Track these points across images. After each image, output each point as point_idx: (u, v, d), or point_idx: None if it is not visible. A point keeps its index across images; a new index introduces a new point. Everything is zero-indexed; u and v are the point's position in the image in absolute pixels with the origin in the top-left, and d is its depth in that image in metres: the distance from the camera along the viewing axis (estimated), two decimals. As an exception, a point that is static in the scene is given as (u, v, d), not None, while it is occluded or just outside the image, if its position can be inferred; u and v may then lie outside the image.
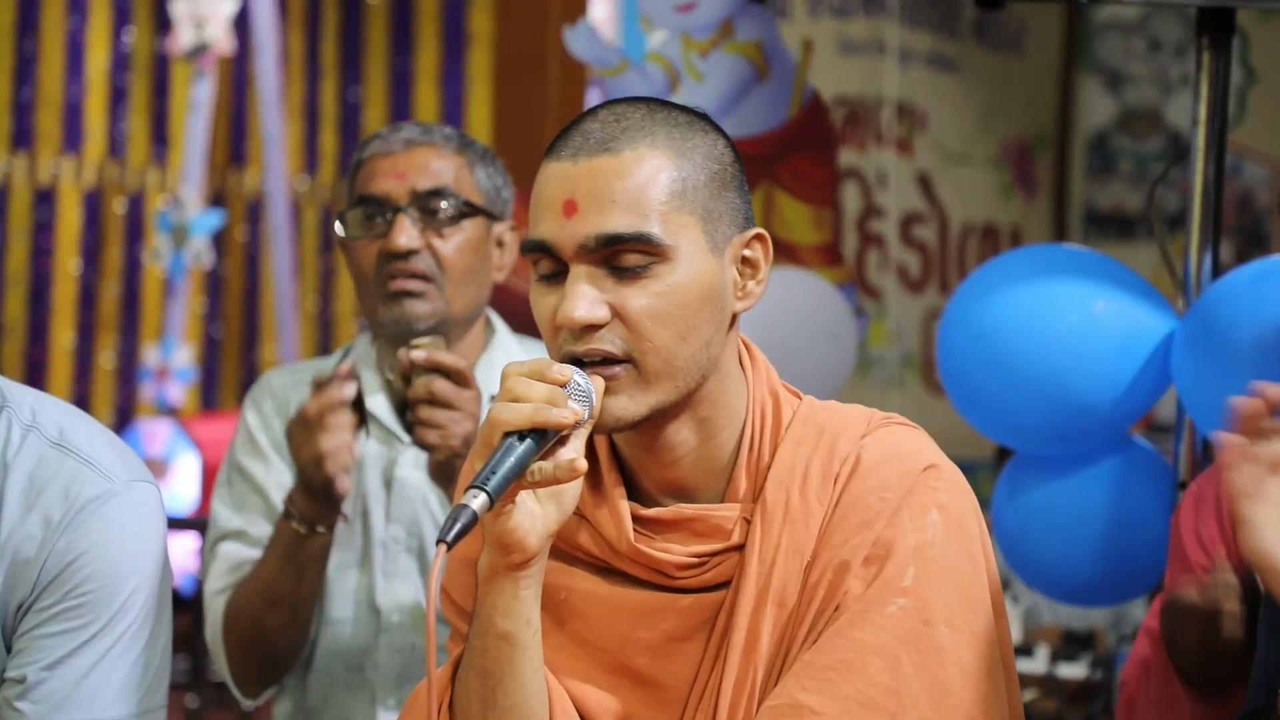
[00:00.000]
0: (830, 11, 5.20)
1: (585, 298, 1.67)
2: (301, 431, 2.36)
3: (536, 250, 1.71)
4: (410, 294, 2.47)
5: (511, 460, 1.60)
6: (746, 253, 1.76)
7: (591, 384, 1.66)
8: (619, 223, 1.67)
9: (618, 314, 1.68)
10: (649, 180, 1.68)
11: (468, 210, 2.50)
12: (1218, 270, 2.87)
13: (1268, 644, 1.93)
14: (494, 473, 1.59)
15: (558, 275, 1.70)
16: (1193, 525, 2.31)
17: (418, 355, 2.33)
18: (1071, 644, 4.22)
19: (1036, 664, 4.06)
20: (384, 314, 2.49)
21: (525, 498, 1.65)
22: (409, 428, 2.38)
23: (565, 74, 5.25)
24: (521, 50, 5.87)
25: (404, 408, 2.40)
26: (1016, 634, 4.17)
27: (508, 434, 1.61)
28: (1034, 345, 2.79)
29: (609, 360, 1.68)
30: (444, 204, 2.49)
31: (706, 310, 1.71)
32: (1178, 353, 2.75)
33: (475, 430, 2.32)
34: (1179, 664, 2.13)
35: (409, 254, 2.46)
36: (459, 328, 2.54)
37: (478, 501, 1.58)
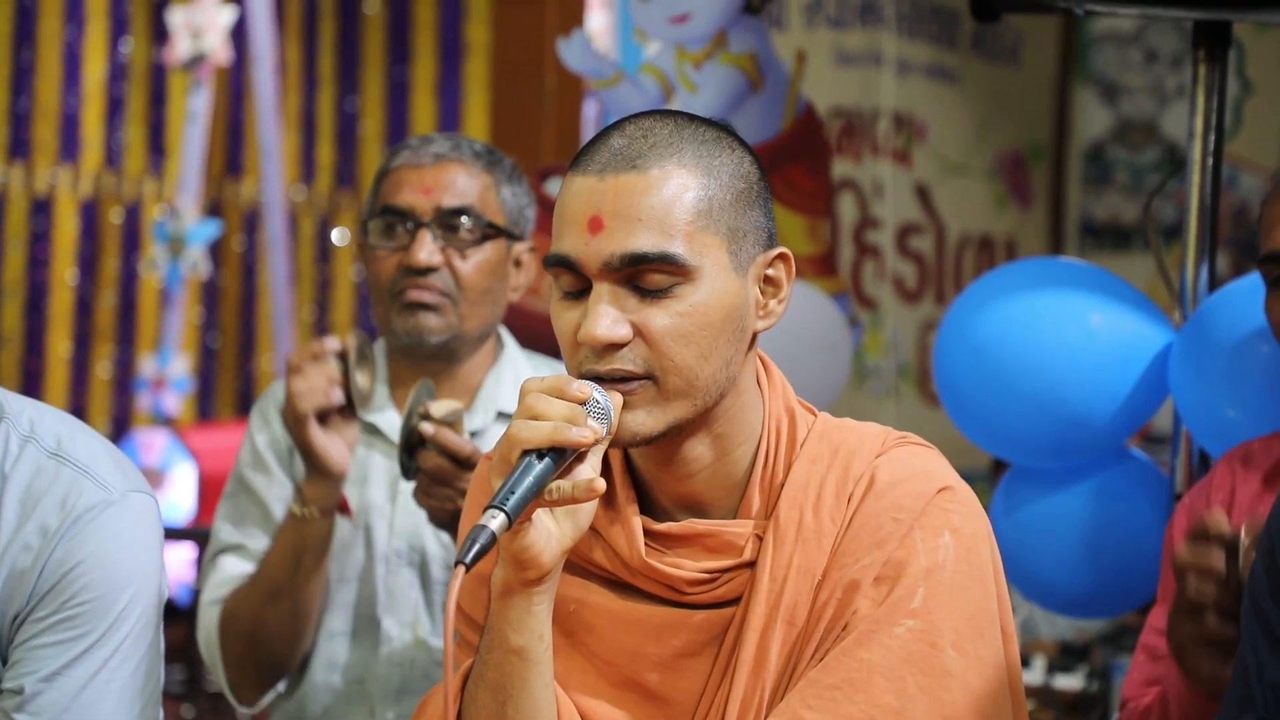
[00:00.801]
0: (827, 22, 5.20)
1: (608, 316, 1.67)
2: (285, 383, 2.40)
3: (560, 265, 1.70)
4: (425, 306, 2.48)
5: (530, 479, 1.60)
6: (769, 272, 1.76)
7: (610, 400, 1.66)
8: (644, 242, 1.66)
9: (640, 333, 1.68)
10: (675, 199, 1.68)
11: (490, 232, 2.51)
12: (1214, 282, 2.87)
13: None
14: (512, 492, 1.59)
15: (581, 291, 1.70)
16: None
17: (426, 429, 2.32)
18: (1068, 655, 4.22)
19: (1033, 675, 4.06)
20: (398, 323, 2.50)
21: (541, 515, 1.64)
22: (406, 470, 2.37)
23: (562, 85, 5.26)
24: (518, 61, 5.87)
25: (407, 445, 2.38)
26: (1013, 645, 4.16)
27: (526, 452, 1.61)
28: (1031, 358, 2.79)
29: (629, 377, 1.68)
30: (467, 223, 2.49)
31: (728, 330, 1.70)
32: (1175, 365, 2.75)
33: None
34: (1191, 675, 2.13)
35: (428, 270, 2.47)
36: (470, 345, 2.55)
37: (496, 522, 1.57)
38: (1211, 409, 2.67)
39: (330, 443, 2.40)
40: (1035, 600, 3.07)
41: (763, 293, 1.75)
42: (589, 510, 1.67)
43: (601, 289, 1.67)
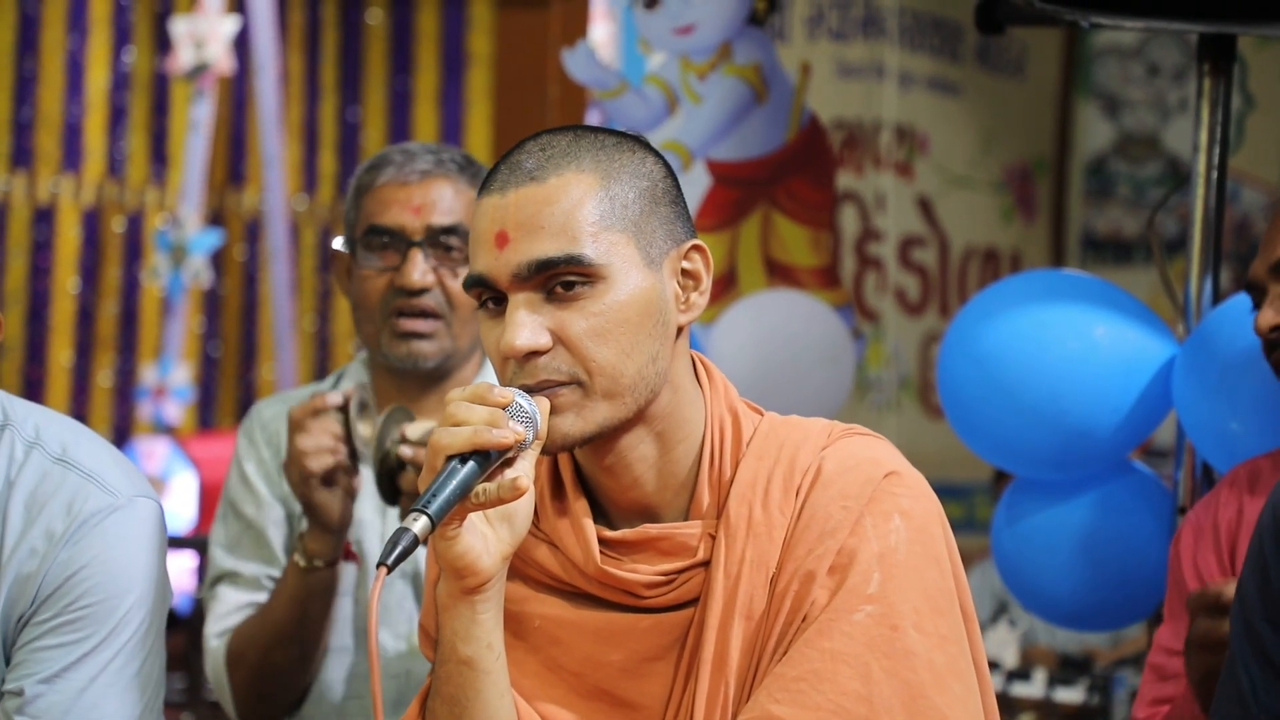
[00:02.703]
0: (829, 35, 5.21)
1: (525, 326, 1.69)
2: (289, 441, 2.37)
3: (477, 285, 1.73)
4: (420, 335, 2.47)
5: (454, 483, 1.61)
6: (685, 265, 1.77)
7: (536, 405, 1.68)
8: (549, 247, 1.69)
9: (559, 339, 1.70)
10: (576, 204, 1.70)
11: None
12: (1218, 296, 2.88)
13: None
14: (435, 496, 1.60)
15: (500, 308, 1.72)
16: (1191, 556, 2.32)
17: (405, 453, 2.32)
18: (1069, 668, 4.22)
19: (1034, 688, 4.05)
20: (390, 349, 2.49)
21: (475, 520, 1.66)
22: (389, 496, 2.36)
23: (565, 96, 5.25)
24: (521, 72, 5.87)
25: (385, 470, 2.37)
26: (1014, 658, 4.17)
27: (450, 458, 1.62)
28: (1034, 370, 2.79)
29: (556, 384, 1.70)
30: (457, 241, 2.48)
31: (648, 325, 1.72)
32: (1178, 378, 2.75)
33: None
34: (1205, 700, 2.13)
35: (421, 290, 2.46)
36: (461, 360, 2.55)
37: (418, 525, 1.58)
38: (1215, 422, 2.67)
39: (334, 498, 2.37)
40: (1036, 612, 3.07)
41: (682, 286, 1.77)
42: (525, 516, 1.69)
43: (516, 300, 1.70)
